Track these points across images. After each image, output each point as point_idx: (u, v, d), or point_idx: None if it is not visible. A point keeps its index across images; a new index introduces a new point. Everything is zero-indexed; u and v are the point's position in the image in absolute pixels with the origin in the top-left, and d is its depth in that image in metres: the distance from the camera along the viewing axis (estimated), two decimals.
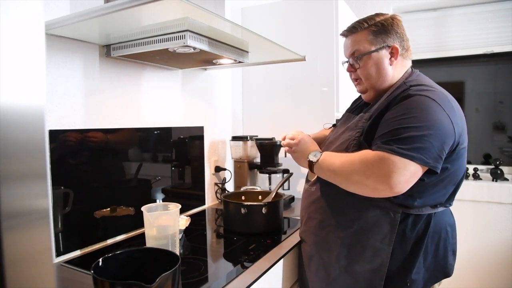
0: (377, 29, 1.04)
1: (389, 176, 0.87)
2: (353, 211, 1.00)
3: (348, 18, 1.98)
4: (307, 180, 1.18)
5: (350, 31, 1.10)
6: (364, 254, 0.99)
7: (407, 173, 0.87)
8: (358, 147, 0.99)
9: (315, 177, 1.11)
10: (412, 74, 1.08)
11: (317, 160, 1.04)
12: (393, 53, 1.05)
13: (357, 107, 1.21)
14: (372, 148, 0.94)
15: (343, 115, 1.25)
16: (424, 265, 0.98)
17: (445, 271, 1.03)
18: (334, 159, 1.01)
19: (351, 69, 1.12)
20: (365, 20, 1.07)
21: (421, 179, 0.92)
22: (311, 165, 1.06)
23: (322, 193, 1.08)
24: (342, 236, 1.02)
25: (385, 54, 1.05)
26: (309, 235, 1.12)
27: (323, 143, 1.21)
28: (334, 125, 1.29)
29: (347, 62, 1.13)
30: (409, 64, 1.11)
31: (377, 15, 1.07)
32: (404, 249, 0.97)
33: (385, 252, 0.96)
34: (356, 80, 1.13)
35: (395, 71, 1.06)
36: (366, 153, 0.94)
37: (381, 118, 0.97)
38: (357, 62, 1.08)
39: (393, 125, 0.91)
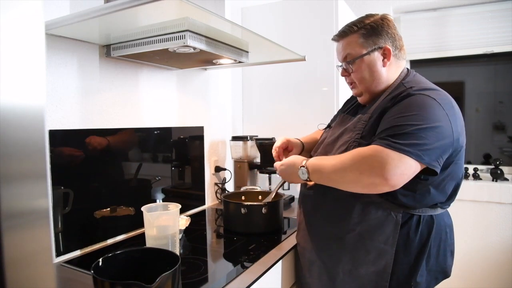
0: (367, 32, 1.03)
1: (383, 168, 0.85)
2: (355, 215, 0.99)
3: (348, 18, 1.98)
4: (304, 184, 1.16)
5: (341, 36, 1.08)
6: (368, 256, 0.99)
7: (402, 166, 0.85)
8: None
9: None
10: (409, 74, 1.07)
11: (308, 176, 1.02)
12: (386, 54, 1.03)
13: (351, 107, 1.19)
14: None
15: (337, 116, 1.23)
16: (427, 268, 0.98)
17: (445, 272, 1.04)
18: (324, 165, 0.98)
19: (345, 73, 1.11)
20: (354, 23, 1.05)
21: (424, 179, 0.92)
22: (306, 180, 1.04)
23: (321, 198, 1.06)
24: (345, 241, 1.01)
25: (377, 56, 1.03)
26: (309, 240, 1.11)
27: (318, 144, 1.21)
28: (328, 126, 1.27)
29: (341, 66, 1.12)
30: (404, 64, 1.09)
31: (366, 17, 1.06)
32: (408, 252, 0.97)
33: (389, 254, 0.96)
34: (351, 84, 1.12)
35: (389, 72, 1.05)
36: (358, 150, 0.93)
37: (381, 119, 0.96)
38: (350, 66, 1.07)
39: (392, 123, 0.90)
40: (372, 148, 0.89)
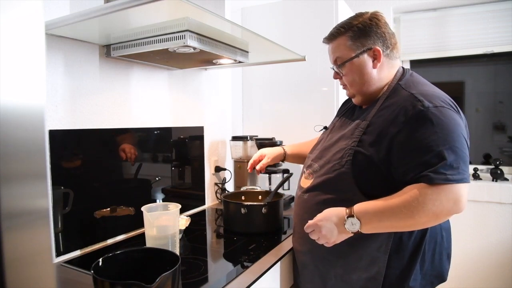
0: (354, 34, 1.00)
1: (457, 204, 0.85)
2: None
3: None
4: (300, 187, 1.14)
5: (329, 38, 1.07)
6: (360, 262, 0.98)
7: (466, 193, 0.87)
8: (353, 157, 0.96)
9: (308, 184, 1.07)
10: (405, 74, 1.04)
11: (359, 226, 0.90)
12: (376, 56, 1.00)
13: (348, 109, 1.18)
14: (417, 177, 0.87)
15: (335, 119, 1.21)
16: (421, 272, 0.97)
17: (441, 276, 1.02)
18: (381, 211, 0.89)
19: (337, 76, 1.10)
20: (342, 25, 1.03)
21: None
22: (355, 232, 0.92)
23: (316, 202, 1.04)
24: (338, 246, 0.99)
25: (367, 58, 1.01)
26: (303, 243, 1.10)
27: (315, 145, 1.20)
28: (325, 128, 1.25)
29: (332, 68, 1.11)
30: (399, 63, 1.07)
31: (355, 17, 1.03)
32: (401, 256, 0.95)
33: (381, 261, 0.95)
34: (344, 86, 1.12)
35: (381, 73, 1.02)
36: (422, 191, 0.85)
37: (386, 131, 0.92)
38: (340, 70, 1.06)
39: (432, 148, 0.86)
40: (440, 188, 0.84)
